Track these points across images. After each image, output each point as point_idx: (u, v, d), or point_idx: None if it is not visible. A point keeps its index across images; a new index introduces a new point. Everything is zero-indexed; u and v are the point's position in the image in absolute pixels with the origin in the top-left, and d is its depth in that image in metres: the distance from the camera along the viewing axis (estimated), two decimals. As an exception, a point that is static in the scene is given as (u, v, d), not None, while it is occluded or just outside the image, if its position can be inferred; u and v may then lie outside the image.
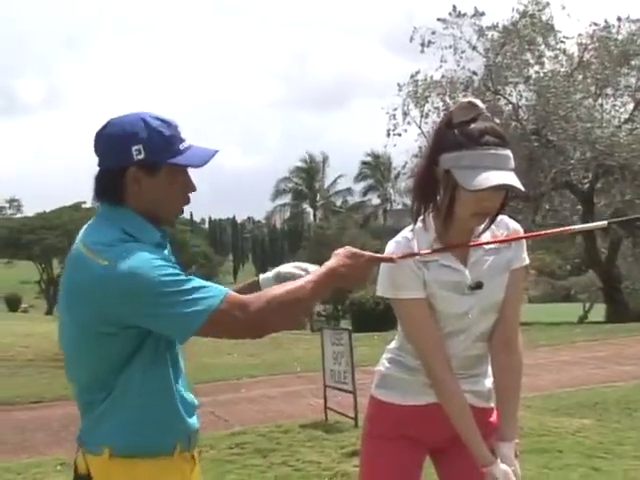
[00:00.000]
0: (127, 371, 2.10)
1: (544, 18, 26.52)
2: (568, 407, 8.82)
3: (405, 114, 27.89)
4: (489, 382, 2.64)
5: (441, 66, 27.48)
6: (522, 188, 2.27)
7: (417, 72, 27.75)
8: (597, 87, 26.32)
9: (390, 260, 2.39)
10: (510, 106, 27.40)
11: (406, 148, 29.83)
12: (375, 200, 72.96)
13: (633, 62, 26.01)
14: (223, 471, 6.60)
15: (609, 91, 26.56)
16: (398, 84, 27.96)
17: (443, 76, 27.56)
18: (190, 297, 1.99)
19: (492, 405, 2.64)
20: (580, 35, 26.82)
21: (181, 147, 2.17)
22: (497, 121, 27.11)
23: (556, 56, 26.92)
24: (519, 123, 26.83)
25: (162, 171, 2.15)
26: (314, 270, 2.29)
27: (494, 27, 26.97)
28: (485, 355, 2.60)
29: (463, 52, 27.06)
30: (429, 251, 2.45)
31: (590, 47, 26.77)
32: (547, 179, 26.33)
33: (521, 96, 27.14)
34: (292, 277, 2.32)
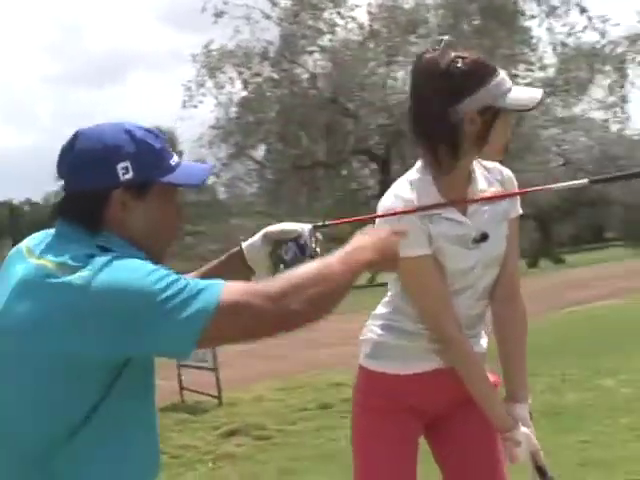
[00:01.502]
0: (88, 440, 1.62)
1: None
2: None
3: (200, 85, 27.48)
4: (485, 342, 2.55)
5: (235, 36, 27.25)
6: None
7: (211, 42, 27.36)
8: (388, 55, 27.10)
9: (409, 211, 2.26)
10: (307, 74, 27.68)
11: (201, 120, 29.42)
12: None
13: (420, 30, 26.95)
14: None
15: (400, 59, 27.42)
16: (192, 55, 27.45)
17: (238, 46, 27.33)
18: (190, 296, 1.60)
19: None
20: (370, 4, 27.48)
21: (172, 163, 1.81)
22: (295, 90, 27.83)
23: (347, 25, 27.44)
24: (317, 91, 27.17)
25: (153, 192, 1.77)
26: (305, 228, 2.08)
27: (283, -5, 27.03)
28: (484, 313, 2.51)
29: (257, 22, 26.95)
30: (441, 203, 2.32)
31: (379, 16, 27.47)
32: (346, 146, 26.98)
33: (317, 65, 27.48)
34: (289, 235, 2.09)
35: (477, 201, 2.36)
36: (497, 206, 2.41)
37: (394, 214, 2.27)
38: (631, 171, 2.45)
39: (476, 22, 26.66)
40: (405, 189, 2.35)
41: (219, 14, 26.67)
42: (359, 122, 26.46)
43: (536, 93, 2.32)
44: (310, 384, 8.61)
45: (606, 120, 30.01)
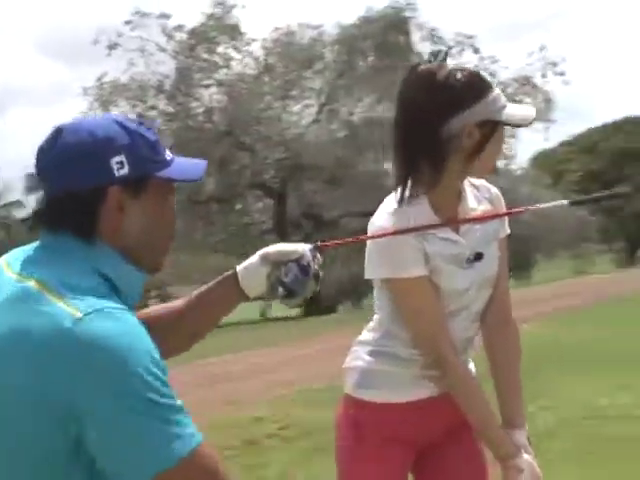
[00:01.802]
0: None
1: (230, 21, 26.98)
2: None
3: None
4: (473, 367, 2.46)
5: (129, 69, 26.93)
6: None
7: (104, 74, 26.96)
8: (283, 90, 27.32)
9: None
10: (203, 108, 27.57)
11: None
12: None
13: (316, 66, 27.31)
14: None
15: (295, 93, 27.68)
16: (83, 88, 26.99)
17: (132, 79, 27.01)
18: (173, 423, 1.38)
19: None
20: (265, 39, 27.71)
21: (167, 157, 1.63)
22: (190, 124, 27.63)
23: (243, 58, 27.56)
24: (212, 125, 27.09)
25: (149, 189, 1.58)
26: (306, 248, 1.95)
27: (180, 28, 26.94)
28: (474, 337, 2.41)
29: (152, 55, 26.72)
30: (437, 223, 2.23)
31: (274, 51, 27.72)
32: (241, 180, 26.94)
33: (213, 98, 27.43)
34: (289, 256, 1.93)
35: (471, 220, 2.29)
36: (488, 225, 2.35)
37: (392, 234, 2.17)
38: (608, 192, 2.45)
39: (371, 59, 27.22)
40: (398, 207, 2.25)
41: (113, 46, 26.36)
42: (255, 156, 26.57)
43: (530, 110, 2.29)
44: (230, 421, 8.40)
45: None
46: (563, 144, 53.18)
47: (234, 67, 27.44)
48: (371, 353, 2.37)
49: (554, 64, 28.33)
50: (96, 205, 1.52)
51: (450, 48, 21.69)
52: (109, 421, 1.34)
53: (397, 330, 2.32)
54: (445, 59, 2.20)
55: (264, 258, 1.95)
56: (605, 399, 7.23)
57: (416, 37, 27.48)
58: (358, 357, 2.40)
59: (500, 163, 31.65)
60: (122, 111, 26.99)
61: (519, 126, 2.28)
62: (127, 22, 26.48)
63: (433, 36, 26.94)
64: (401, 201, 2.24)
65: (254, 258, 1.97)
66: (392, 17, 26.68)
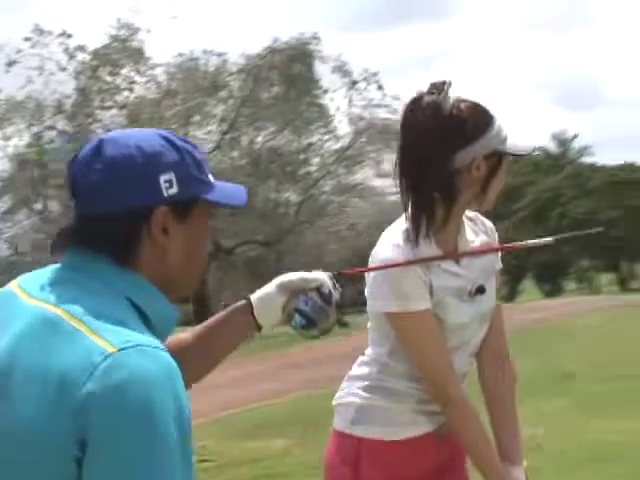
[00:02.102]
0: None
1: (134, 44, 26.61)
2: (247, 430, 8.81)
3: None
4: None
5: (27, 86, 26.13)
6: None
7: (-1, 91, 26.07)
8: (185, 116, 27.08)
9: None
10: (103, 130, 27.01)
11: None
12: None
13: (220, 94, 27.20)
14: None
15: (197, 119, 27.49)
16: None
17: (29, 97, 26.24)
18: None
19: None
20: (169, 64, 27.44)
21: (211, 179, 1.51)
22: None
23: (146, 83, 27.19)
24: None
25: (194, 213, 1.46)
26: (325, 277, 1.89)
27: (82, 48, 26.36)
28: (469, 372, 2.43)
29: (52, 74, 26.03)
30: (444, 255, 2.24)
31: (177, 76, 27.49)
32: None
33: (114, 121, 26.91)
34: (310, 284, 1.86)
35: (475, 253, 2.31)
36: (487, 259, 2.35)
37: (407, 264, 2.17)
38: (590, 230, 2.52)
39: (275, 89, 27.32)
40: (405, 240, 2.22)
41: (11, 63, 25.56)
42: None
43: (529, 140, 2.27)
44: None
45: (384, 188, 31.45)
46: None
47: (137, 90, 27.06)
48: (366, 388, 2.32)
49: None
50: (139, 227, 1.39)
51: (355, 83, 22.07)
52: (122, 462, 1.20)
53: (395, 365, 2.29)
54: (448, 90, 2.14)
55: (281, 287, 1.87)
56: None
57: (321, 69, 27.76)
58: (352, 393, 2.35)
59: (391, 196, 32.19)
60: (18, 129, 26.25)
61: (522, 156, 2.28)
62: (27, 39, 25.75)
63: (339, 69, 27.26)
64: (414, 240, 2.20)
65: (270, 287, 1.88)
66: (297, 48, 26.87)
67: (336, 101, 27.64)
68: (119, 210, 1.37)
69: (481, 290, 2.28)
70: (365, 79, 27.03)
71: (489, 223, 2.43)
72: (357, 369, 2.40)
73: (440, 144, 2.12)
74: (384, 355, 2.33)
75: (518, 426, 2.38)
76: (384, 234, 2.29)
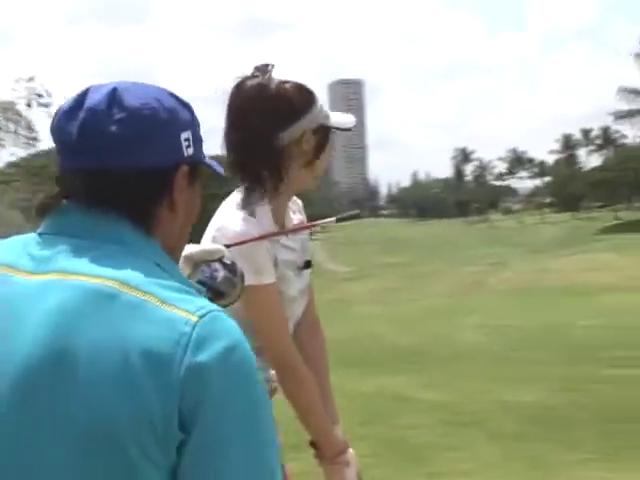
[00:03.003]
0: None
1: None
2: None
3: None
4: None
5: None
6: None
7: None
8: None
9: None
10: None
11: None
12: None
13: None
14: None
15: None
16: None
17: None
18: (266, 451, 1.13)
19: None
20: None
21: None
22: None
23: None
24: None
25: (198, 178, 1.32)
26: (225, 249, 1.80)
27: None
28: None
29: None
30: (291, 229, 2.32)
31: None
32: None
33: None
34: (213, 255, 1.75)
35: (307, 227, 2.44)
36: (303, 235, 2.43)
37: (271, 235, 2.22)
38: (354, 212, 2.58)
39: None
40: (249, 214, 2.22)
41: None
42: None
43: (351, 117, 2.36)
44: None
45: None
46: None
47: None
48: None
49: (39, 95, 28.09)
50: (162, 188, 1.23)
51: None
52: (241, 420, 1.09)
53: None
54: (271, 72, 2.21)
55: (188, 259, 1.70)
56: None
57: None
58: None
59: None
60: None
61: (346, 130, 2.33)
62: None
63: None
64: (248, 209, 2.23)
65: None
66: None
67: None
68: (144, 167, 1.19)
69: (308, 265, 2.38)
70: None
71: (299, 201, 2.49)
72: None
73: (270, 122, 2.18)
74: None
75: (331, 389, 2.49)
76: (224, 206, 2.29)
